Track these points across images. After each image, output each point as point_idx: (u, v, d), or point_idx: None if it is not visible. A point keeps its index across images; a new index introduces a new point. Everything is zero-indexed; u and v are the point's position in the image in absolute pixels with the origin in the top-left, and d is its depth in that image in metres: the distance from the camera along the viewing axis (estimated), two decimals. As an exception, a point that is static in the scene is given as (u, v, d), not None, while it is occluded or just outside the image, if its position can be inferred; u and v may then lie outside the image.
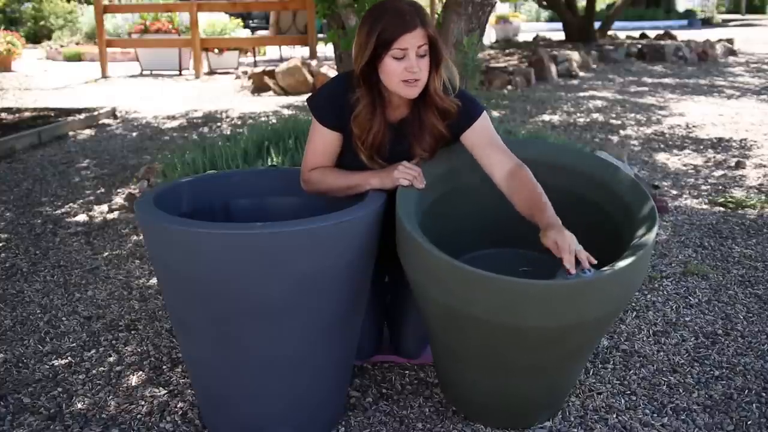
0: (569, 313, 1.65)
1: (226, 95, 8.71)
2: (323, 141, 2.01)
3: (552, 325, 1.66)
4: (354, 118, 1.94)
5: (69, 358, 2.44)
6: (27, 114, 7.13)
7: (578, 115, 6.84)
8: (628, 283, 1.73)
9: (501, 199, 2.09)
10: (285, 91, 8.68)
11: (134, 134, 6.37)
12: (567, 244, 1.66)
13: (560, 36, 14.66)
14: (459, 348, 1.88)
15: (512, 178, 1.91)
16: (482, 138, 1.98)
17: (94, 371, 2.34)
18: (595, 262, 1.67)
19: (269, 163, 3.86)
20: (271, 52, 13.96)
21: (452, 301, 1.69)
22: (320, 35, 10.63)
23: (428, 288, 1.76)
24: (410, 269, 1.81)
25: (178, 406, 2.13)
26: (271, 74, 8.91)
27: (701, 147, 5.50)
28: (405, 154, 2.02)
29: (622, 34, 15.89)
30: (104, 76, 10.48)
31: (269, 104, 7.86)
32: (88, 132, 6.54)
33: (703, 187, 4.37)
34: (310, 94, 2.05)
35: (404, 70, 1.84)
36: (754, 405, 2.11)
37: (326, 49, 11.10)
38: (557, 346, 1.78)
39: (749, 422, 2.03)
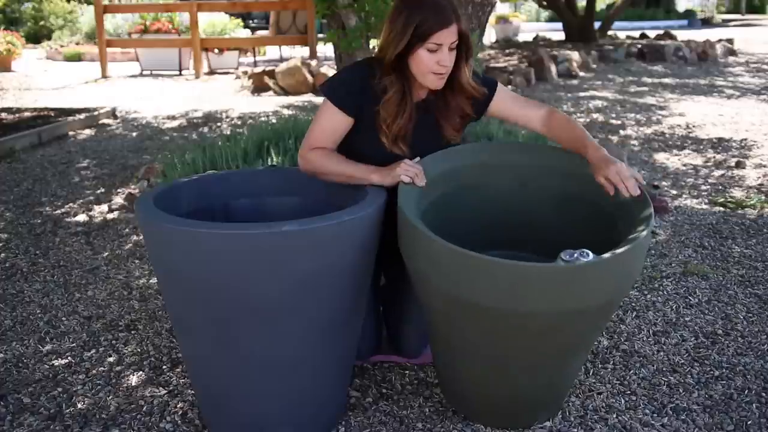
0: (570, 298, 1.65)
1: (226, 95, 8.71)
2: (333, 123, 2.01)
3: (553, 310, 1.66)
4: (384, 104, 1.97)
5: (69, 358, 2.44)
6: (27, 114, 7.13)
7: (578, 115, 6.84)
8: (627, 270, 1.74)
9: (498, 201, 2.09)
10: (285, 91, 8.68)
11: (134, 134, 6.37)
12: (617, 176, 1.79)
13: (560, 36, 14.67)
14: (459, 341, 1.88)
15: (549, 123, 2.07)
16: (507, 101, 2.12)
17: (94, 371, 2.35)
18: (644, 182, 1.83)
19: (269, 163, 3.86)
20: (271, 52, 13.96)
21: (454, 289, 1.70)
22: (320, 35, 10.64)
23: (430, 277, 1.76)
24: (412, 259, 1.82)
25: (178, 406, 2.13)
26: (271, 74, 8.91)
27: (701, 147, 5.50)
28: (428, 135, 2.06)
29: (622, 34, 15.89)
30: (104, 76, 10.48)
31: (269, 104, 7.86)
32: (88, 132, 6.54)
33: (703, 187, 4.37)
34: (327, 78, 2.06)
35: (436, 63, 1.91)
36: (754, 405, 2.11)
37: (326, 49, 11.10)
38: (557, 337, 1.78)
39: (749, 422, 2.03)
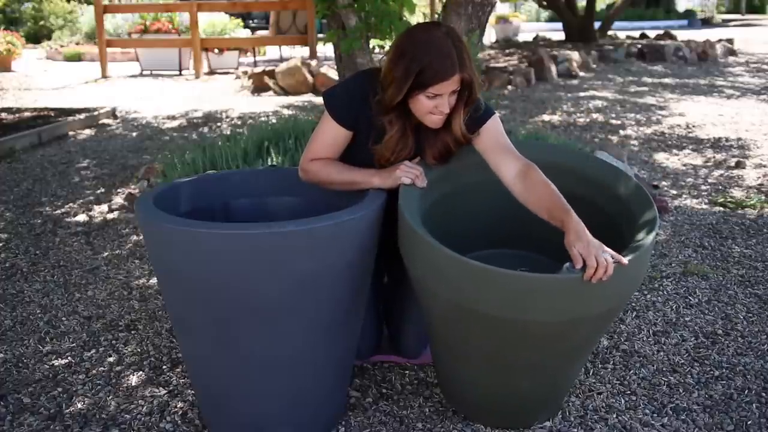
0: (575, 308, 1.65)
1: (226, 95, 8.71)
2: (334, 136, 2.00)
3: (557, 320, 1.66)
4: (385, 143, 1.96)
5: (69, 358, 2.44)
6: (27, 114, 7.13)
7: (578, 115, 6.84)
8: (631, 279, 1.74)
9: (499, 200, 2.09)
10: (285, 91, 8.68)
11: (134, 134, 6.37)
12: (592, 257, 1.59)
13: (560, 36, 14.67)
14: (460, 345, 1.88)
15: (522, 180, 1.87)
16: (490, 141, 1.98)
17: (94, 371, 2.35)
18: (625, 262, 1.63)
19: (269, 163, 3.87)
20: (271, 52, 13.96)
21: (459, 298, 1.69)
22: (320, 35, 10.64)
23: (434, 285, 1.76)
24: (415, 266, 1.81)
25: (178, 406, 2.13)
26: (271, 74, 8.91)
27: (701, 147, 5.50)
28: (415, 157, 2.04)
29: (622, 34, 15.89)
30: (104, 76, 10.48)
31: (269, 104, 7.86)
32: (88, 132, 6.54)
33: (703, 187, 4.37)
34: (327, 88, 2.05)
35: (434, 107, 1.87)
36: (754, 405, 2.11)
37: (326, 49, 11.09)
38: (560, 343, 1.78)
39: (749, 422, 2.03)
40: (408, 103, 1.90)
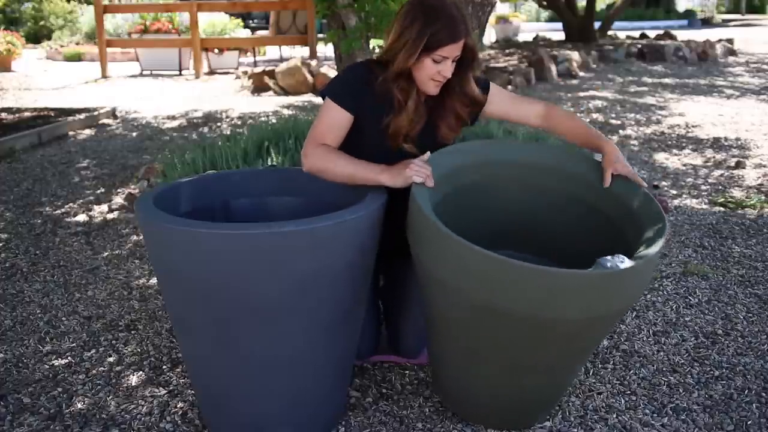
0: (602, 304, 1.64)
1: (226, 95, 8.71)
2: (335, 120, 1.99)
3: (583, 316, 1.64)
4: (401, 113, 1.98)
5: (69, 358, 2.44)
6: (27, 114, 7.13)
7: (578, 115, 6.84)
8: (644, 278, 1.74)
9: (500, 200, 2.08)
10: (285, 91, 8.68)
11: (134, 134, 6.37)
12: (633, 173, 1.96)
13: (560, 36, 14.68)
14: (481, 347, 1.83)
15: (547, 120, 2.11)
16: (502, 101, 2.14)
17: (94, 371, 2.35)
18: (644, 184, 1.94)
19: (269, 163, 3.87)
20: (271, 52, 13.96)
21: (487, 296, 1.65)
22: (320, 35, 10.64)
23: (460, 284, 1.69)
24: (436, 267, 1.75)
25: (178, 406, 2.13)
26: (271, 74, 8.91)
27: (701, 147, 5.50)
28: (429, 135, 2.05)
29: (622, 34, 15.90)
30: (104, 76, 10.48)
31: (269, 104, 7.87)
32: (88, 132, 6.54)
33: (703, 187, 4.37)
34: (325, 84, 2.06)
35: (437, 72, 1.94)
36: (754, 405, 2.11)
37: (326, 49, 11.11)
38: (576, 342, 1.76)
39: (749, 422, 2.03)
40: (412, 71, 1.95)
